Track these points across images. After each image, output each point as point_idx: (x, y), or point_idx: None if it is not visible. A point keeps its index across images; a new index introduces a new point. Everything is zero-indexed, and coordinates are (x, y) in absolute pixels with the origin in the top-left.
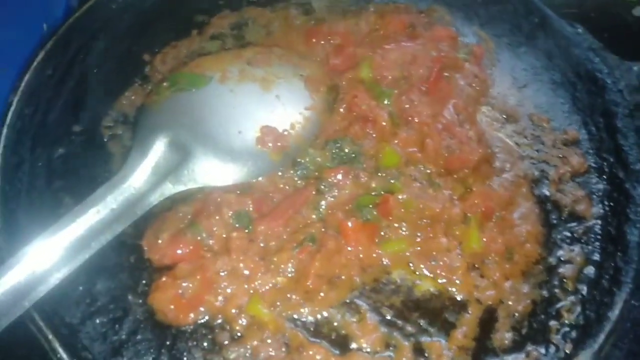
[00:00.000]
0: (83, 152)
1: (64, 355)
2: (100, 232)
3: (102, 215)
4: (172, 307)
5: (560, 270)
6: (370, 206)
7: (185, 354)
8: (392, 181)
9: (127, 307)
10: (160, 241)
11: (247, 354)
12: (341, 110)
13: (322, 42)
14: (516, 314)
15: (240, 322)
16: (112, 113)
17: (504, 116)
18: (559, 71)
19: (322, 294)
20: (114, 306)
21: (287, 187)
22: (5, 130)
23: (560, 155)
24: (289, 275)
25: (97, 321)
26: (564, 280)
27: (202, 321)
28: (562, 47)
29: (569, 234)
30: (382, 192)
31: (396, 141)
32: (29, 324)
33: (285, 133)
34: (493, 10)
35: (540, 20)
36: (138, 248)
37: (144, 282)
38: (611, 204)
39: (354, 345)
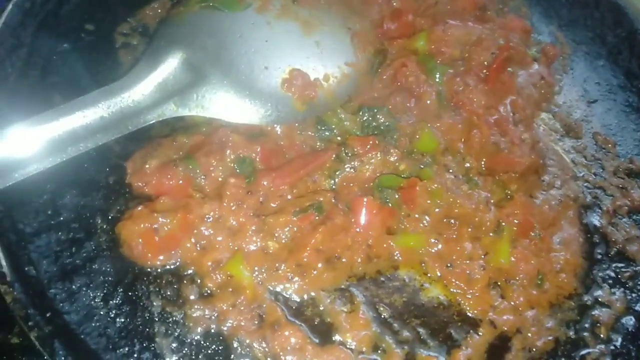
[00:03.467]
0: (89, 53)
1: (3, 262)
2: (80, 138)
3: (89, 120)
4: (141, 241)
5: (595, 312)
6: (394, 189)
7: (143, 297)
8: (423, 167)
9: (91, 230)
10: (147, 166)
11: (213, 317)
12: (385, 77)
13: (380, 2)
14: (533, 350)
15: (214, 278)
16: (132, 21)
17: (565, 129)
18: (637, 94)
19: (315, 272)
20: (77, 225)
21: (304, 146)
22: (10, 7)
23: (620, 186)
24: (283, 241)
25: (54, 237)
26: (597, 325)
27: (171, 267)
28: None
29: (612, 274)
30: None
31: (438, 124)
32: None
33: (317, 83)
34: (576, 14)
35: (628, 35)
36: (121, 169)
37: (117, 208)
38: None
39: (337, 338)
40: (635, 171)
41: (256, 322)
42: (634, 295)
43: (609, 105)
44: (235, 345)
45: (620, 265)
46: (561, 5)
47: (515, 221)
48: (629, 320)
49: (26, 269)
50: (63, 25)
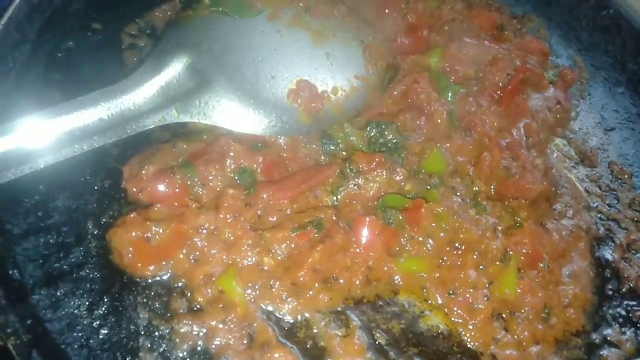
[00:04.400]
0: (95, 52)
1: None
2: (77, 140)
3: (87, 121)
4: (131, 249)
5: (603, 352)
6: (398, 209)
7: (129, 309)
8: (430, 188)
9: (82, 235)
10: (144, 172)
11: (201, 333)
12: (395, 92)
13: (395, 16)
14: None
15: (205, 292)
16: (140, 22)
17: (580, 156)
18: None
19: (310, 292)
20: (67, 229)
21: (307, 159)
22: (17, 1)
23: (636, 219)
24: (280, 258)
25: (42, 240)
26: None
27: (161, 278)
28: None
29: (623, 313)
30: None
31: (448, 145)
32: None
33: (325, 95)
34: (597, 38)
35: None
36: (117, 173)
37: (110, 213)
38: None
39: None
40: None
41: (245, 342)
42: None
43: (626, 134)
44: None
45: (632, 303)
46: (581, 28)
47: (524, 250)
48: None
49: (10, 272)
50: (70, 22)
